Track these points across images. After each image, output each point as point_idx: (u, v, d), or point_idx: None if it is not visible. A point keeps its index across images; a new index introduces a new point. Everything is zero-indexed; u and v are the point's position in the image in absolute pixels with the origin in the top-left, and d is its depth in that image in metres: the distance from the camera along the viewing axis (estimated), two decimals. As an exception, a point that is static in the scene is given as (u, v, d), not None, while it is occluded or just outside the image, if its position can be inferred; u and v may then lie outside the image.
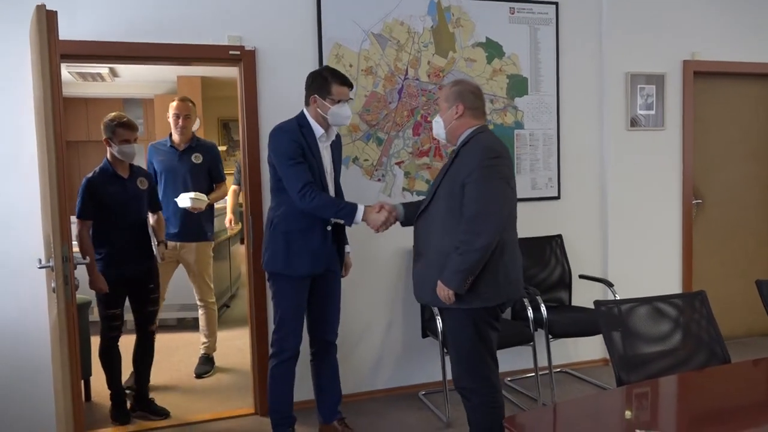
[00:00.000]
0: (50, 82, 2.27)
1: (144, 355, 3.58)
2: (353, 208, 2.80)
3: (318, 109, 2.86)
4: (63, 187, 2.34)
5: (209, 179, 4.18)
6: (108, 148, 3.36)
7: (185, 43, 3.34)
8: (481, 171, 2.41)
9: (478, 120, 2.61)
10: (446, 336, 2.69)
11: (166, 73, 7.40)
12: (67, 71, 6.76)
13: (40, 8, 2.28)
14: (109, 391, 3.51)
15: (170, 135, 4.12)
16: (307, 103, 2.92)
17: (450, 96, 2.62)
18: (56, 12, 2.33)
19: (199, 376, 4.16)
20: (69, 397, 2.38)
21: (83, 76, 7.18)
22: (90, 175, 3.32)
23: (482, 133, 2.56)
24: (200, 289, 4.21)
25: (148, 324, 3.54)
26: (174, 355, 4.60)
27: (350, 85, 2.90)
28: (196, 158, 4.10)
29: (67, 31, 3.09)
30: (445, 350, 3.35)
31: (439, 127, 2.69)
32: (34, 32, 2.26)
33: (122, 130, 3.31)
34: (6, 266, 3.14)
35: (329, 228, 2.94)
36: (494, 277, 2.47)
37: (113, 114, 3.41)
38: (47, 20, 2.28)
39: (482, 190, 2.40)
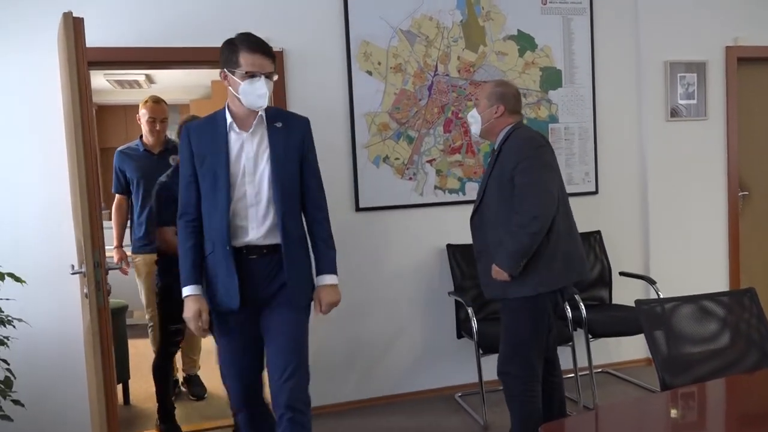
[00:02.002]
0: (78, 89, 2.28)
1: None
2: (185, 279, 2.21)
3: (229, 88, 2.23)
4: (93, 193, 2.35)
5: None
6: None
7: (214, 47, 3.32)
8: (526, 161, 2.54)
9: (514, 118, 2.73)
10: (504, 323, 2.71)
11: (200, 78, 7.46)
12: (105, 79, 6.91)
13: (67, 16, 2.29)
14: (157, 404, 3.38)
15: (140, 138, 3.86)
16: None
17: (492, 95, 2.71)
18: (83, 19, 2.34)
19: (200, 397, 3.88)
20: (103, 401, 2.39)
21: (120, 83, 7.32)
22: (165, 180, 3.18)
23: (519, 129, 2.69)
24: None
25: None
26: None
27: (267, 53, 2.22)
28: (174, 160, 3.75)
29: (100, 38, 3.13)
30: (481, 351, 3.27)
31: (475, 122, 2.77)
32: (62, 40, 2.27)
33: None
34: (45, 271, 3.17)
35: (231, 253, 2.18)
36: (551, 261, 2.56)
37: (187, 116, 3.27)
38: (74, 27, 2.29)
39: (530, 178, 2.52)
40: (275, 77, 2.25)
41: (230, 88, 2.21)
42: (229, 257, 2.17)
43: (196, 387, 3.92)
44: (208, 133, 2.22)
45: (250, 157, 2.21)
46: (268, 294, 2.24)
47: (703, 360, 2.05)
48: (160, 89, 8.01)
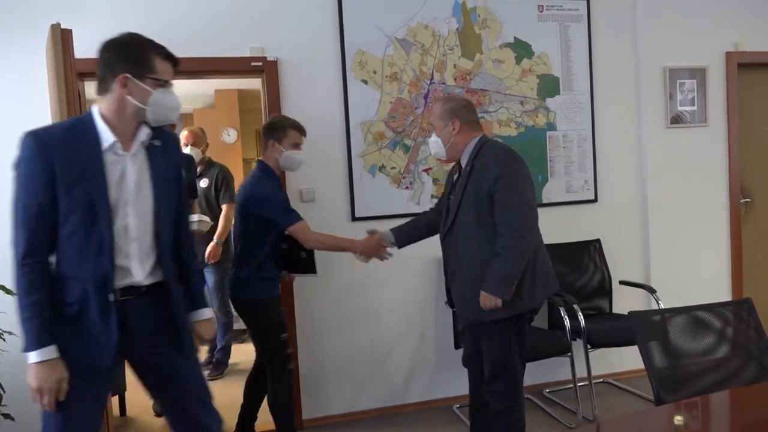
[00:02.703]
0: (66, 100, 2.26)
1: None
2: (35, 340, 1.75)
3: (129, 97, 1.79)
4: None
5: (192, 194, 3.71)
6: (272, 150, 2.89)
7: (207, 57, 3.32)
8: (508, 176, 2.46)
9: (477, 131, 2.66)
10: (487, 348, 2.62)
11: (204, 88, 7.48)
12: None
13: (55, 28, 2.29)
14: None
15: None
16: (105, 90, 1.82)
17: (444, 114, 2.65)
18: (71, 31, 2.34)
19: None
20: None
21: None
22: (274, 182, 2.92)
23: (488, 143, 2.63)
24: None
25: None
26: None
27: (177, 64, 1.92)
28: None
29: (85, 49, 3.13)
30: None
31: (437, 146, 2.69)
32: (50, 51, 2.27)
33: (296, 132, 2.91)
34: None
35: (111, 298, 1.80)
36: (533, 279, 2.52)
37: (278, 115, 3.08)
38: (62, 39, 2.29)
39: (514, 195, 2.45)
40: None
41: (129, 97, 1.79)
42: (110, 305, 1.79)
43: None
44: (76, 150, 1.74)
45: (132, 184, 1.82)
46: (146, 343, 1.90)
47: (699, 373, 2.00)
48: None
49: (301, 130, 2.91)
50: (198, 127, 4.38)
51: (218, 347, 4.40)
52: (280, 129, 2.87)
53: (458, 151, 2.64)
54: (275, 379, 2.91)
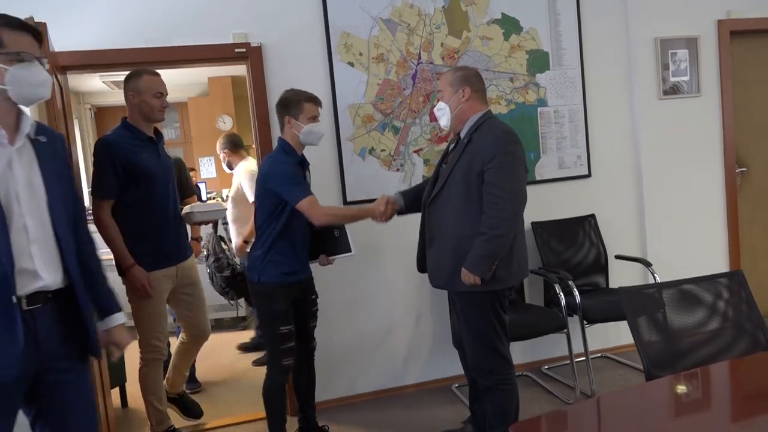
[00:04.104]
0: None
1: (309, 379, 3.08)
2: None
3: None
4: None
5: None
6: (289, 127, 2.77)
7: (189, 45, 3.28)
8: (503, 157, 2.44)
9: (484, 105, 2.64)
10: (464, 320, 2.65)
11: (197, 76, 7.43)
12: (101, 81, 6.89)
13: (28, 21, 2.24)
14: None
15: (128, 124, 2.92)
16: None
17: (455, 80, 2.61)
18: (45, 24, 2.29)
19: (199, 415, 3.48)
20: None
21: (118, 84, 7.28)
22: (288, 157, 2.76)
23: (491, 119, 2.59)
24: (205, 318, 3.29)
25: (311, 341, 3.04)
26: (210, 357, 4.62)
27: (36, 34, 1.72)
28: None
29: (69, 43, 3.10)
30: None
31: (444, 113, 2.65)
32: (25, 46, 2.22)
33: (311, 105, 2.78)
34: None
35: (14, 300, 1.63)
36: (510, 260, 2.52)
37: (290, 89, 2.82)
38: (37, 33, 2.24)
39: (506, 176, 2.44)
40: (47, 65, 1.75)
41: None
42: (15, 311, 1.62)
43: (192, 405, 3.51)
44: None
45: (22, 180, 1.67)
46: (55, 353, 1.73)
47: (690, 348, 1.99)
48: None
49: (316, 101, 2.80)
50: None
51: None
52: (295, 104, 2.75)
53: (462, 121, 2.61)
54: (270, 373, 2.82)
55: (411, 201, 2.87)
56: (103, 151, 2.80)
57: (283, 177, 2.69)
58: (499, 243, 2.42)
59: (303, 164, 2.85)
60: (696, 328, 2.02)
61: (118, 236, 2.81)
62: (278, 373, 2.81)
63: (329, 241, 2.89)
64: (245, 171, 4.11)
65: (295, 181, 2.69)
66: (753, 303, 2.07)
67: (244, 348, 4.76)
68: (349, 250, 2.88)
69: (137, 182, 2.82)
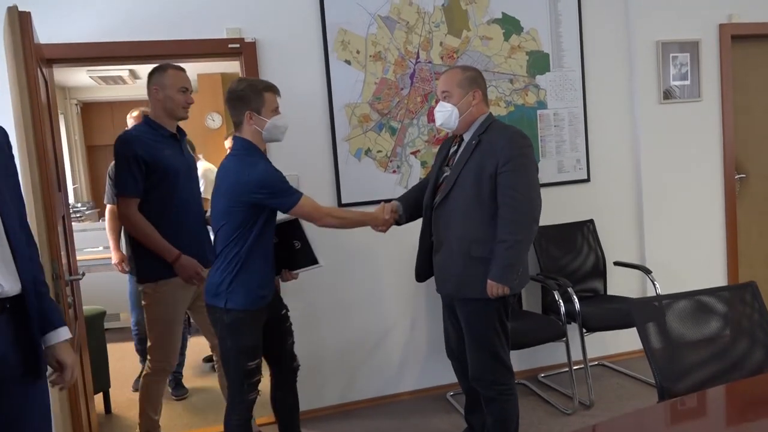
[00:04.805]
0: (27, 88, 2.12)
1: (293, 402, 2.77)
2: None
3: None
4: (49, 200, 2.20)
5: None
6: (249, 124, 2.42)
7: (181, 39, 3.17)
8: (518, 160, 2.39)
9: (487, 106, 2.60)
10: (467, 328, 2.57)
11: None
12: (88, 76, 6.73)
13: (11, 10, 2.13)
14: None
15: (150, 120, 2.79)
16: None
17: (464, 82, 2.53)
18: (29, 13, 2.18)
19: None
20: (68, 416, 2.25)
21: (105, 80, 7.12)
22: (264, 159, 2.47)
23: (496, 121, 2.55)
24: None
25: (292, 361, 2.70)
26: (198, 363, 4.50)
27: None
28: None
29: (55, 35, 2.98)
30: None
31: (450, 116, 2.53)
32: (7, 36, 2.11)
33: (272, 95, 2.45)
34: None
35: None
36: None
37: (242, 79, 2.54)
38: (20, 23, 2.13)
39: (523, 180, 2.39)
40: None
41: None
42: None
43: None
44: None
45: None
46: (8, 368, 1.57)
47: (704, 362, 1.92)
48: (144, 84, 7.83)
49: (275, 90, 2.46)
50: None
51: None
52: (255, 96, 2.39)
53: (468, 124, 2.54)
54: (232, 410, 2.46)
55: (412, 208, 2.76)
56: (125, 147, 2.65)
57: (272, 182, 2.34)
58: (521, 249, 2.38)
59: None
60: (709, 342, 1.95)
61: (153, 230, 2.63)
62: (243, 410, 2.46)
63: (290, 254, 2.58)
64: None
65: (285, 184, 2.37)
66: (766, 313, 2.00)
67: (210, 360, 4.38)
68: (316, 262, 2.55)
69: (159, 180, 2.65)
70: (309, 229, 2.56)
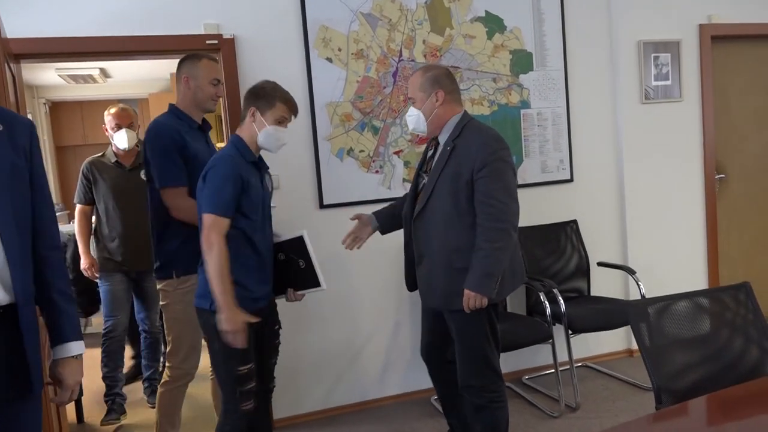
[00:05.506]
0: (-6, 83, 2.00)
1: (267, 425, 2.68)
2: None
3: None
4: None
5: None
6: (250, 121, 2.34)
7: (156, 35, 3.06)
8: (494, 164, 2.30)
9: (459, 106, 2.48)
10: (459, 338, 2.49)
11: (159, 71, 7.13)
12: (57, 74, 6.52)
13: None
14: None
15: (177, 110, 2.69)
16: None
17: (425, 84, 2.43)
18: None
19: None
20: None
21: (74, 78, 6.91)
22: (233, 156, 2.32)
23: (472, 121, 2.43)
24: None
25: (270, 381, 2.55)
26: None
27: None
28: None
29: (24, 29, 2.85)
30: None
31: (417, 120, 2.46)
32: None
33: (285, 107, 2.34)
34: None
35: None
36: (508, 269, 2.39)
37: (270, 81, 2.41)
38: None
39: (501, 186, 2.30)
40: None
41: None
42: None
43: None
44: None
45: None
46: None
47: (700, 362, 1.88)
48: (116, 84, 7.64)
49: (291, 105, 2.36)
50: (128, 105, 3.70)
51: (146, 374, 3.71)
52: (269, 98, 2.31)
53: (439, 126, 2.44)
54: (225, 420, 2.32)
55: (388, 218, 2.71)
56: (162, 136, 2.51)
57: (212, 178, 2.20)
58: (500, 257, 2.28)
59: (259, 167, 2.40)
60: (705, 341, 1.92)
61: None
62: (236, 420, 2.30)
63: (294, 273, 2.46)
64: None
65: (219, 190, 2.18)
66: (761, 314, 1.98)
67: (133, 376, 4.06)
68: (318, 285, 2.42)
69: (190, 172, 2.50)
70: (317, 251, 2.44)
